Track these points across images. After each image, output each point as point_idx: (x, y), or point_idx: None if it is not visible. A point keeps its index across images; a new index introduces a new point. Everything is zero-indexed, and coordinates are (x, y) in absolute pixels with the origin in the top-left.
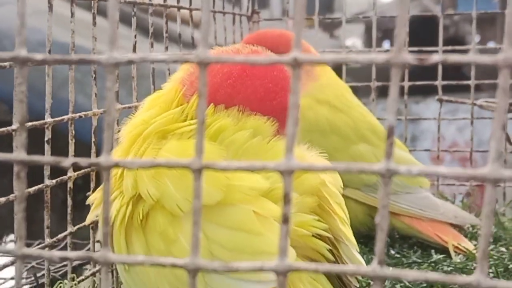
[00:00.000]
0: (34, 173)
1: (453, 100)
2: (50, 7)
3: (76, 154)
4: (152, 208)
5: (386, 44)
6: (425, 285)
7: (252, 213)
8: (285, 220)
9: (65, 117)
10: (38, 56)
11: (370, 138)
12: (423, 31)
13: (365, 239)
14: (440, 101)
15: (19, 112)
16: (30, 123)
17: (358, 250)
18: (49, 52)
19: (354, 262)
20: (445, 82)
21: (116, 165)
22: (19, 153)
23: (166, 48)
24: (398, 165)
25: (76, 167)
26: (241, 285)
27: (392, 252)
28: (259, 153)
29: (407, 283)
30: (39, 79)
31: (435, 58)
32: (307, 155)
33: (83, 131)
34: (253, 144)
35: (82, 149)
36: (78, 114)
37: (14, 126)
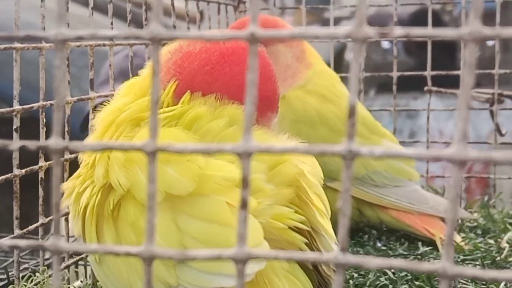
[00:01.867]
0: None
1: (442, 91)
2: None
3: None
4: (123, 198)
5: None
6: (410, 277)
7: (225, 204)
8: (243, 205)
9: (35, 105)
10: None
11: (359, 129)
12: (422, 26)
13: (352, 232)
14: (429, 91)
15: None
16: None
17: (337, 242)
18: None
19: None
20: (434, 73)
21: (66, 148)
22: None
23: None
24: (360, 147)
25: (45, 156)
26: (212, 278)
27: (379, 244)
28: (235, 142)
29: (392, 276)
30: (33, 74)
31: (398, 32)
32: (286, 143)
33: (73, 123)
34: (229, 133)
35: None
36: (49, 102)
37: None
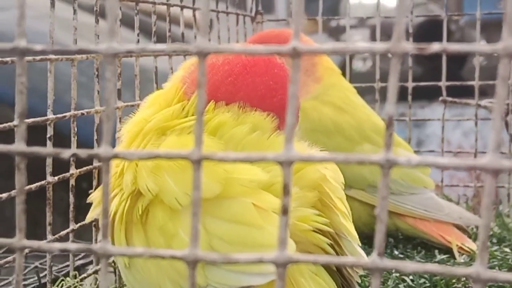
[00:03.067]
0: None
1: (457, 101)
2: (53, 3)
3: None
4: (151, 203)
5: None
6: (428, 284)
7: (251, 206)
8: (285, 211)
9: (67, 114)
10: (38, 47)
11: (374, 138)
12: (430, 36)
13: (368, 239)
14: (444, 102)
15: (19, 103)
16: (31, 120)
17: (360, 245)
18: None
19: (356, 256)
20: (449, 83)
21: (116, 156)
22: (18, 145)
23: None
24: (397, 156)
25: (78, 164)
26: (240, 277)
27: (396, 252)
28: (259, 148)
29: (410, 283)
30: (43, 82)
31: (435, 47)
32: (308, 151)
33: (84, 133)
34: (253, 139)
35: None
36: (80, 112)
37: (15, 122)
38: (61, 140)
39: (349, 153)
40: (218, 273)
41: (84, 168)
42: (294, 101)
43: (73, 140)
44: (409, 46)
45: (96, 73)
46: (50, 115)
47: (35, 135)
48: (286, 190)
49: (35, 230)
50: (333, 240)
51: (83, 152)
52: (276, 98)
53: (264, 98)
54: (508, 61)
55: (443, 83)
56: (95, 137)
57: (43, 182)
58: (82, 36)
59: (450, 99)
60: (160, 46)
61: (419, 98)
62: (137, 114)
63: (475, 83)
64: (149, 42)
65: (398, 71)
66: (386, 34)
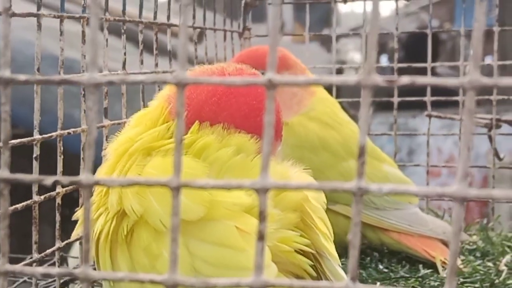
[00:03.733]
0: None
1: (442, 116)
2: (39, 26)
3: (71, 167)
4: (136, 224)
5: (383, 59)
6: None
7: (234, 229)
8: (261, 237)
9: (54, 134)
10: (22, 77)
11: None
12: (421, 45)
13: None
14: (429, 116)
15: (3, 131)
16: (18, 140)
17: (341, 265)
18: (38, 70)
19: (337, 277)
20: (434, 98)
21: (97, 183)
22: (2, 171)
23: (156, 64)
24: (369, 184)
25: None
26: None
27: (381, 267)
28: (243, 170)
29: None
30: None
31: (404, 80)
32: (290, 171)
33: (77, 144)
34: (237, 161)
35: (78, 162)
36: (66, 131)
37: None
38: (53, 150)
39: (324, 181)
40: None
41: (70, 187)
42: (269, 129)
43: (59, 160)
44: (379, 79)
45: (83, 92)
46: (37, 136)
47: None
48: (262, 217)
49: (26, 241)
50: (315, 260)
51: (65, 179)
52: (259, 118)
53: (248, 117)
54: (473, 94)
55: (428, 99)
56: (82, 155)
57: (29, 201)
58: (72, 44)
59: (435, 113)
60: (140, 77)
61: (410, 108)
62: (123, 133)
63: (460, 98)
64: (136, 50)
65: (369, 103)
66: (378, 43)
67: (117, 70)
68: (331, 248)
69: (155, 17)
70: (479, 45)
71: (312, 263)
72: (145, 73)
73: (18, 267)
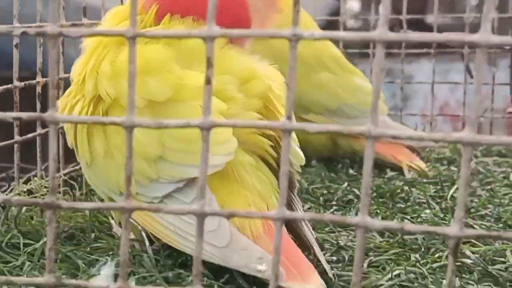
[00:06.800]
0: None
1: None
2: None
3: None
4: (110, 107)
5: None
6: (375, 195)
7: (199, 108)
8: (208, 81)
9: (33, 81)
10: None
11: (332, 67)
12: None
13: (326, 161)
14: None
15: None
16: None
17: (298, 146)
18: None
19: (294, 155)
20: (409, 16)
21: (61, 120)
22: None
23: None
24: (303, 31)
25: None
26: (188, 170)
27: (351, 171)
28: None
29: (358, 192)
30: None
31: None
32: (257, 64)
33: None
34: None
35: None
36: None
37: None
38: None
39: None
40: (168, 166)
41: (31, 135)
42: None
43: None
44: (392, 35)
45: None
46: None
47: None
48: (209, 63)
49: None
50: (276, 142)
51: (28, 116)
52: (229, 13)
53: (219, 12)
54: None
55: (403, 17)
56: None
57: None
58: None
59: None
60: None
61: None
62: (98, 27)
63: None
64: None
65: (383, 57)
66: None
67: None
68: None
69: None
70: None
71: (273, 144)
72: None
73: None
